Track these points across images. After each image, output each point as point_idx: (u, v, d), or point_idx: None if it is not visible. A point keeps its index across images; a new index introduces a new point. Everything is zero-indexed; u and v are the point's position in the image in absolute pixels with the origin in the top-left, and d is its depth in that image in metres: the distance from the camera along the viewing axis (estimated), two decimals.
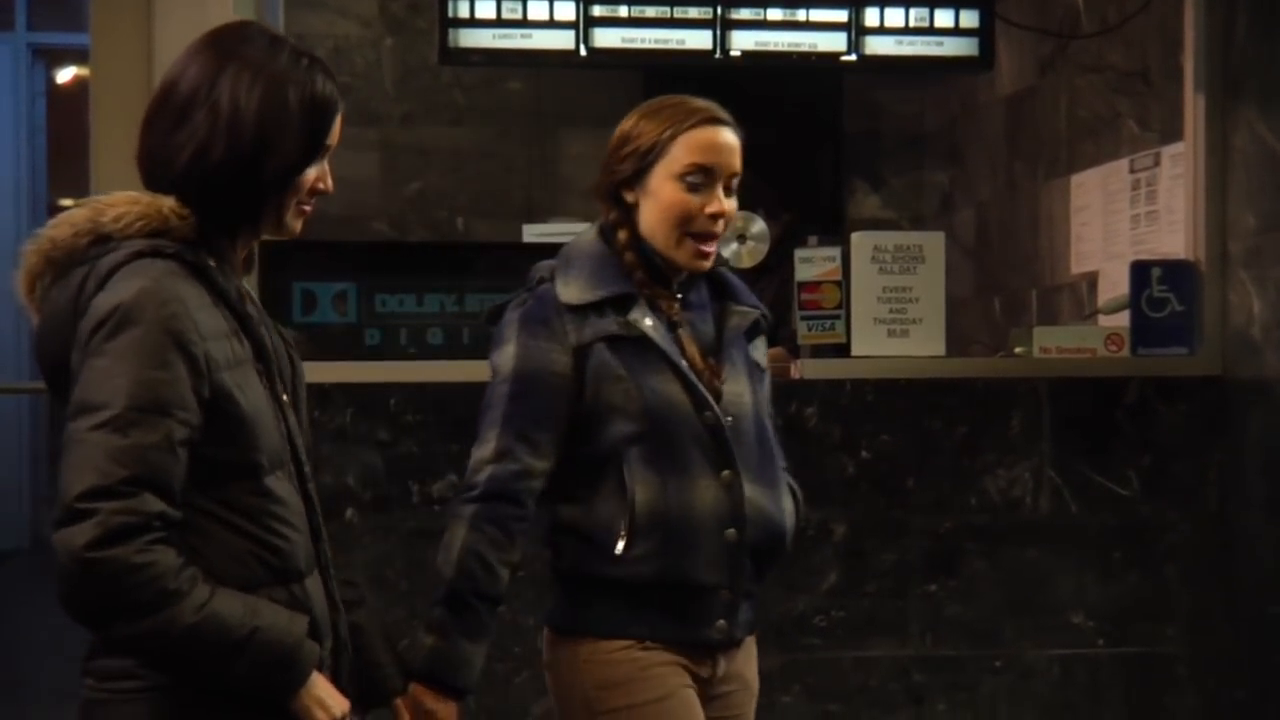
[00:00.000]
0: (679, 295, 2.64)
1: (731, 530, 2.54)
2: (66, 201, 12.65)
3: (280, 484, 2.08)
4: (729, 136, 2.60)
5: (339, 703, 2.08)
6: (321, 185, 2.14)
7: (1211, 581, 4.04)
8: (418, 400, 3.81)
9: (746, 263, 4.18)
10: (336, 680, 2.14)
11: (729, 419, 2.55)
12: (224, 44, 2.11)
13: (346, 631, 2.22)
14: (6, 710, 6.19)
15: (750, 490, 2.55)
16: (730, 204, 2.61)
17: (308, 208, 2.15)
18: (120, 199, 2.06)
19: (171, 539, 1.94)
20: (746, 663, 2.69)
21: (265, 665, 1.99)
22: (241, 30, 2.15)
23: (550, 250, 4.76)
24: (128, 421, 1.91)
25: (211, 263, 2.05)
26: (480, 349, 4.18)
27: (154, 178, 2.09)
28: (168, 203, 2.05)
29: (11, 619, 8.10)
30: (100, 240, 2.03)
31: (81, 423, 1.93)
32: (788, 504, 2.64)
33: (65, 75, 11.32)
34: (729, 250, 4.25)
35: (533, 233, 4.63)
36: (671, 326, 2.59)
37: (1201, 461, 4.04)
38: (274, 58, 2.09)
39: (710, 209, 2.58)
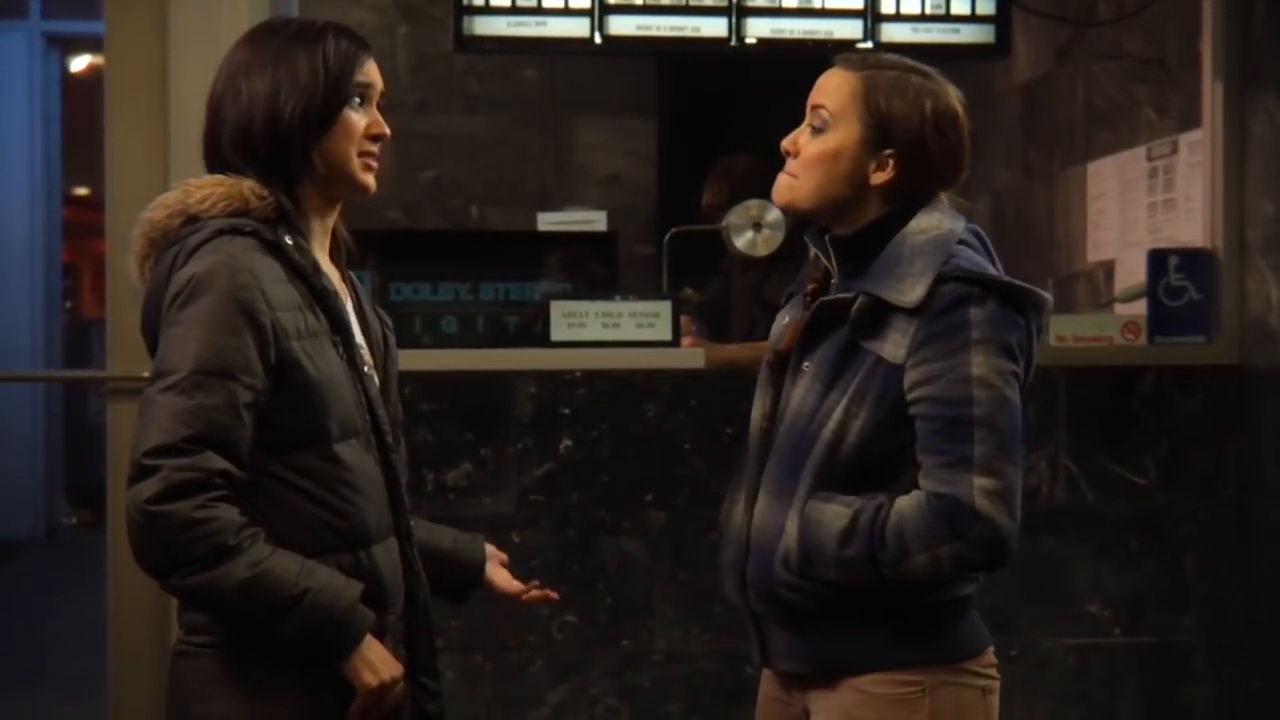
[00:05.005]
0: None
1: (735, 550, 2.40)
2: (81, 190, 12.71)
3: (351, 452, 2.17)
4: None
5: (390, 668, 2.16)
6: (376, 130, 2.25)
7: (1228, 571, 4.03)
8: (432, 389, 3.80)
9: (761, 251, 4.17)
10: (411, 646, 2.24)
11: (781, 428, 2.35)
12: (244, 41, 2.27)
13: (427, 597, 2.31)
14: (24, 697, 6.21)
15: (761, 504, 2.35)
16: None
17: (373, 160, 2.26)
18: (207, 181, 2.20)
19: (234, 497, 2.05)
20: (842, 709, 2.32)
21: (314, 626, 2.07)
22: (261, 24, 2.33)
23: (564, 239, 4.77)
24: (193, 384, 2.03)
25: (289, 240, 2.17)
26: (494, 337, 4.21)
27: (214, 170, 2.24)
28: (248, 184, 2.18)
29: (28, 607, 8.14)
30: (190, 220, 2.17)
31: (154, 386, 2.06)
32: (790, 524, 2.28)
33: (80, 64, 11.34)
34: (743, 239, 4.25)
35: (547, 221, 4.63)
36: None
37: (1219, 450, 4.03)
38: (282, 33, 2.25)
39: None
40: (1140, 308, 4.18)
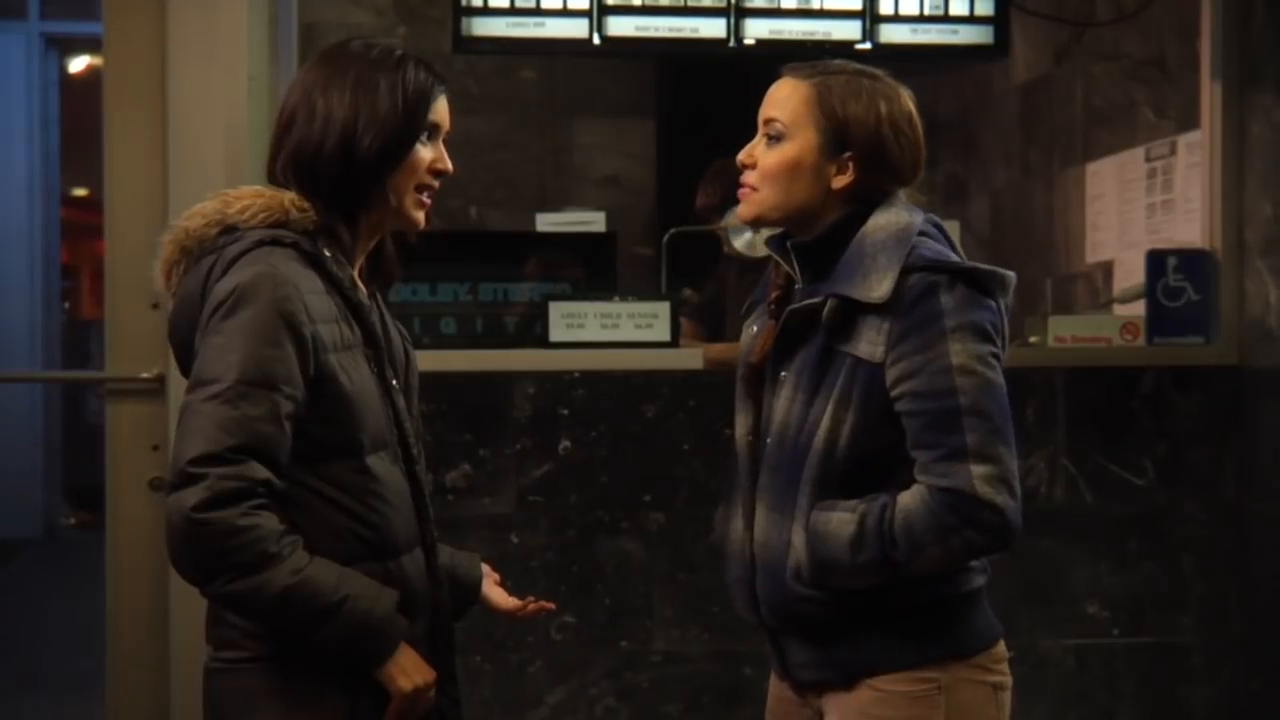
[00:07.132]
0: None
1: (741, 568, 2.41)
2: (80, 191, 12.71)
3: (381, 464, 2.20)
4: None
5: (424, 673, 2.18)
6: (439, 166, 2.26)
7: (1227, 572, 4.03)
8: (431, 390, 3.78)
9: (760, 251, 4.17)
10: (435, 653, 2.25)
11: (769, 440, 2.35)
12: (322, 59, 2.27)
13: (449, 607, 2.33)
14: (23, 698, 6.21)
15: (761, 520, 2.35)
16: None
17: (428, 196, 2.27)
18: (246, 192, 2.21)
19: (274, 506, 2.07)
20: (858, 708, 2.33)
21: (352, 633, 2.10)
22: (339, 44, 2.30)
23: (563, 240, 4.76)
24: (238, 394, 2.05)
25: (327, 253, 2.19)
26: (493, 338, 4.20)
27: (279, 183, 2.25)
28: (289, 196, 2.20)
29: (27, 608, 8.13)
30: (227, 230, 2.19)
31: (197, 394, 2.08)
32: (796, 538, 2.29)
33: (78, 65, 11.33)
34: (742, 240, 4.24)
35: (546, 222, 4.62)
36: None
37: (1217, 451, 4.03)
38: (363, 57, 2.23)
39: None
40: (1139, 308, 4.18)
